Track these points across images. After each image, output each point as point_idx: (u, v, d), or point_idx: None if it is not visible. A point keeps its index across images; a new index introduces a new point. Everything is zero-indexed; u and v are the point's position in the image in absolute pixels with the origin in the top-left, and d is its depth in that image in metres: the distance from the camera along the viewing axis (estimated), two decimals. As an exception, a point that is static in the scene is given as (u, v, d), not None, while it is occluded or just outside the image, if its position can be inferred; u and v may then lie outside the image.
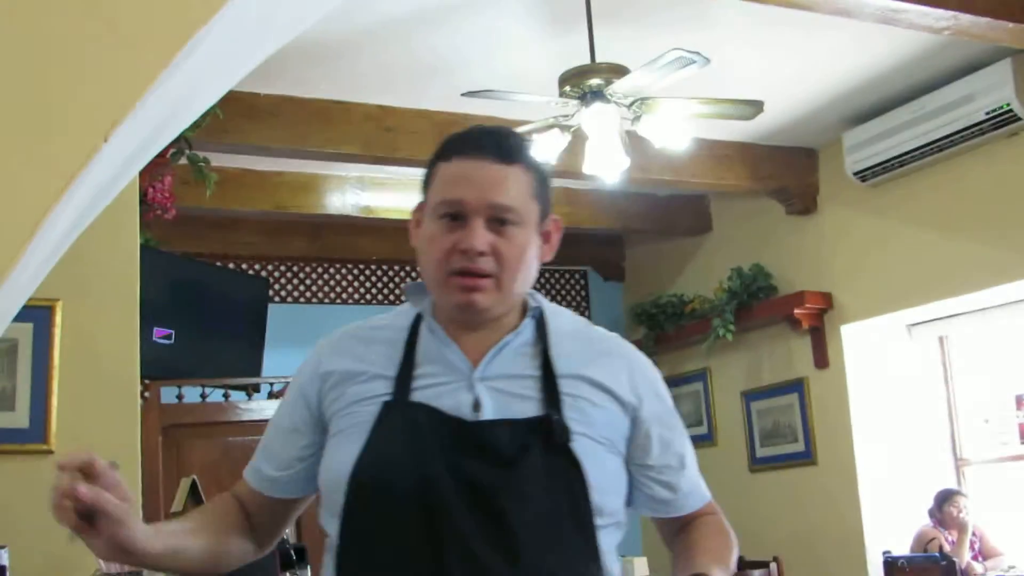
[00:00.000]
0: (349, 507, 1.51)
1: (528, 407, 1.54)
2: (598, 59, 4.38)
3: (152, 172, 3.87)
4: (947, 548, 5.37)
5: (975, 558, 5.52)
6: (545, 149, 4.59)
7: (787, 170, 6.39)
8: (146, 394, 4.22)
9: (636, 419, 1.61)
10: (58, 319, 3.18)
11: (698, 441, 6.01)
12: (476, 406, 1.53)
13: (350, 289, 7.62)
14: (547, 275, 8.09)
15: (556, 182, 6.61)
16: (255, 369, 4.99)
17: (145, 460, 3.43)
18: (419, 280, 1.69)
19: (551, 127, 4.54)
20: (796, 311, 6.36)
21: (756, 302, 6.64)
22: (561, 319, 1.67)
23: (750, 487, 6.80)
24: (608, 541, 1.56)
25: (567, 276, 8.23)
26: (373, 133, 5.44)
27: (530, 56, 4.86)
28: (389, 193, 6.56)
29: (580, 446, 1.53)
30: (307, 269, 7.47)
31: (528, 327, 1.63)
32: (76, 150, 1.29)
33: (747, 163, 6.23)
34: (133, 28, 1.37)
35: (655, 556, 5.09)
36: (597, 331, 1.71)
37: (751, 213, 6.96)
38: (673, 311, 7.23)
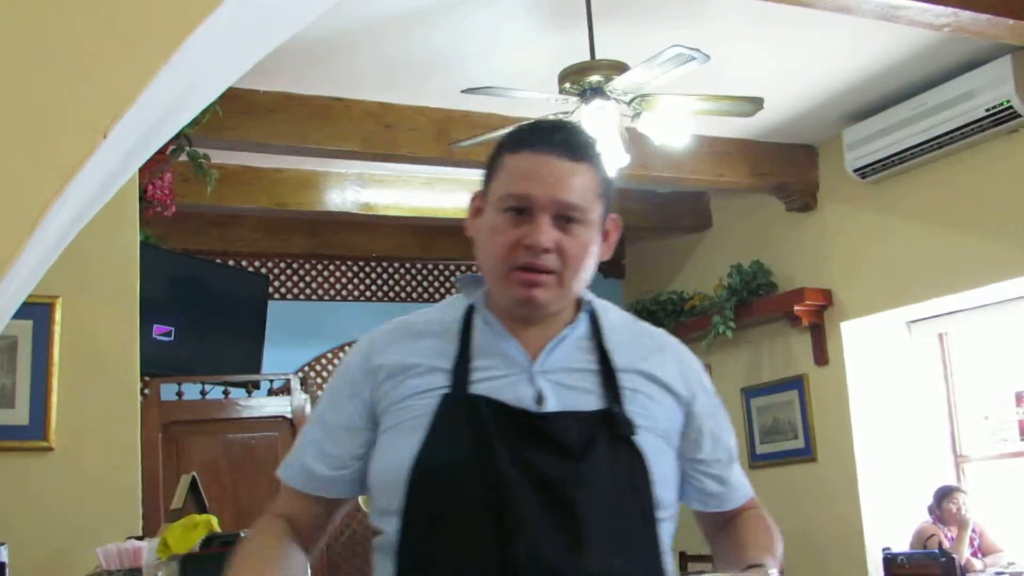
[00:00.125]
0: (411, 503, 1.49)
1: (589, 400, 1.55)
2: (598, 56, 4.38)
3: (152, 169, 3.88)
4: (946, 545, 5.37)
5: (974, 554, 5.52)
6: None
7: (787, 167, 6.39)
8: (146, 391, 4.23)
9: (689, 413, 1.63)
10: (58, 316, 3.19)
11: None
12: (539, 399, 1.53)
13: (349, 286, 7.62)
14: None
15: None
16: (255, 366, 5.00)
17: (145, 457, 3.44)
18: (472, 272, 1.68)
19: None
20: (796, 308, 6.36)
21: (756, 299, 6.64)
22: (611, 314, 1.68)
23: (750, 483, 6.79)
24: (666, 534, 1.57)
25: (567, 273, 8.22)
26: (373, 130, 5.44)
27: (530, 53, 4.85)
28: (389, 190, 6.56)
29: (642, 440, 1.54)
30: (307, 266, 7.47)
31: (583, 321, 1.64)
32: (75, 146, 1.29)
33: (747, 160, 6.23)
34: (132, 25, 1.37)
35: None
36: (645, 326, 1.72)
37: (751, 210, 6.96)
38: (673, 308, 7.23)
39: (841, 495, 6.18)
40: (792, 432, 6.60)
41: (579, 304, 1.65)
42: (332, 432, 1.61)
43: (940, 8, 4.22)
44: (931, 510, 5.68)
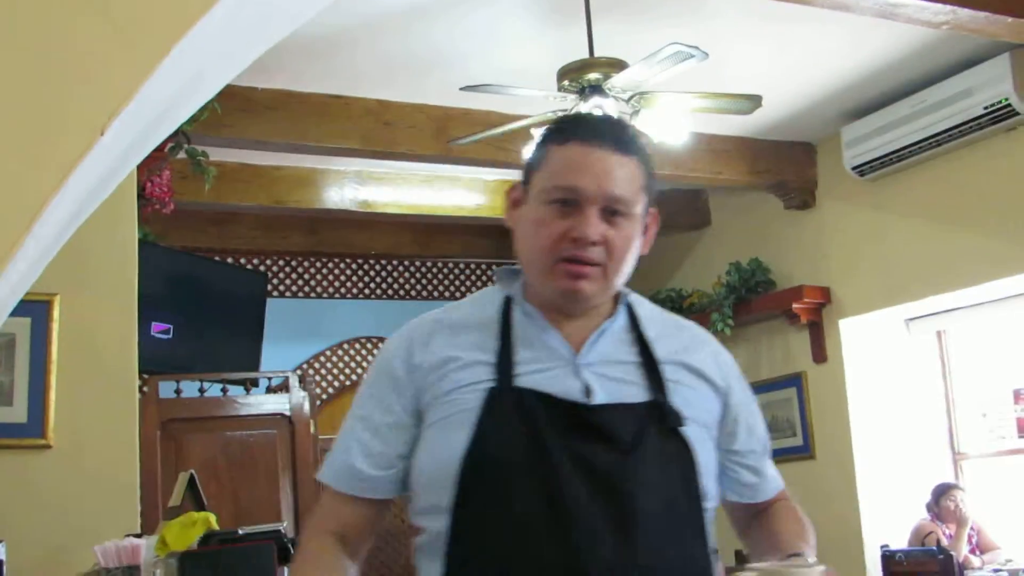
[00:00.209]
0: (461, 498, 1.47)
1: (634, 392, 1.55)
2: (596, 53, 4.38)
3: (150, 166, 3.87)
4: (944, 542, 5.37)
5: (972, 552, 5.53)
6: (543, 143, 4.58)
7: (785, 164, 6.39)
8: (144, 389, 4.23)
9: (726, 404, 1.64)
10: (56, 313, 3.18)
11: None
12: (587, 391, 1.52)
13: (348, 284, 7.62)
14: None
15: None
16: (253, 364, 4.99)
17: (143, 455, 3.44)
18: (511, 266, 1.68)
19: (549, 121, 4.53)
20: (794, 305, 6.36)
21: (754, 296, 6.64)
22: (645, 306, 1.69)
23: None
24: (710, 525, 1.58)
25: (565, 271, 8.22)
26: (372, 127, 5.43)
27: (529, 50, 4.85)
28: (387, 187, 6.56)
29: (688, 431, 1.55)
30: (305, 264, 7.47)
31: (622, 313, 1.64)
32: (73, 144, 1.29)
33: (745, 157, 6.23)
34: (130, 21, 1.37)
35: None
36: (678, 318, 1.73)
37: (749, 207, 6.96)
38: (671, 305, 7.23)
39: (839, 492, 6.18)
40: (790, 430, 6.60)
41: (616, 296, 1.65)
42: (377, 431, 1.57)
43: (938, 6, 4.22)
44: (929, 507, 5.68)
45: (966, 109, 5.26)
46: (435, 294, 7.88)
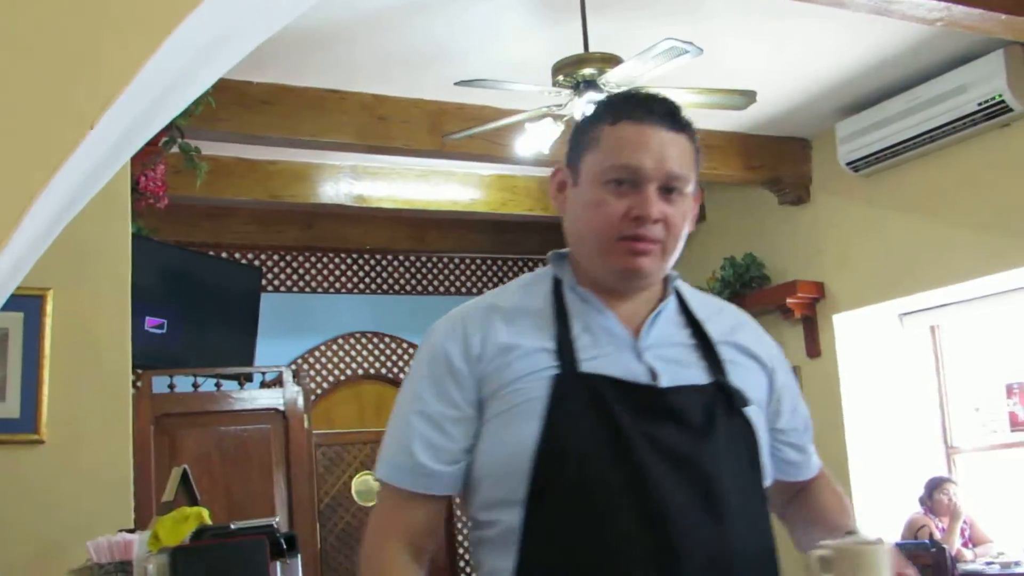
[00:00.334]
0: (537, 490, 1.43)
1: (695, 374, 1.54)
2: (592, 49, 4.38)
3: (144, 160, 3.87)
4: (937, 535, 5.39)
5: (965, 545, 5.55)
6: (538, 138, 4.59)
7: (780, 160, 6.39)
8: (138, 383, 4.22)
9: (772, 383, 1.65)
10: (49, 308, 3.18)
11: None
12: (653, 375, 1.51)
13: (343, 278, 7.62)
14: (540, 264, 8.07)
15: (548, 171, 6.60)
16: (248, 358, 4.99)
17: (137, 450, 3.43)
18: (559, 250, 1.66)
19: (544, 116, 4.54)
20: (788, 300, 6.37)
21: (749, 291, 6.65)
22: (686, 288, 1.69)
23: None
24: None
25: (560, 266, 8.22)
26: (367, 122, 5.43)
27: (524, 45, 4.85)
28: (383, 182, 6.56)
29: (750, 411, 1.55)
30: (300, 258, 7.46)
31: (673, 295, 1.64)
32: (62, 138, 1.28)
33: (740, 153, 6.23)
34: (121, 13, 1.37)
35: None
36: (717, 299, 1.74)
37: (744, 203, 6.96)
38: (666, 301, 7.24)
39: (833, 487, 6.18)
40: (785, 425, 6.61)
41: (664, 278, 1.64)
42: (440, 425, 1.52)
43: (933, 2, 4.22)
44: (922, 501, 5.70)
45: (960, 105, 5.27)
46: (429, 289, 7.88)
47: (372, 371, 7.63)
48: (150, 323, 4.46)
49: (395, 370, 7.68)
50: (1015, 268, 5.38)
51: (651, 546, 1.40)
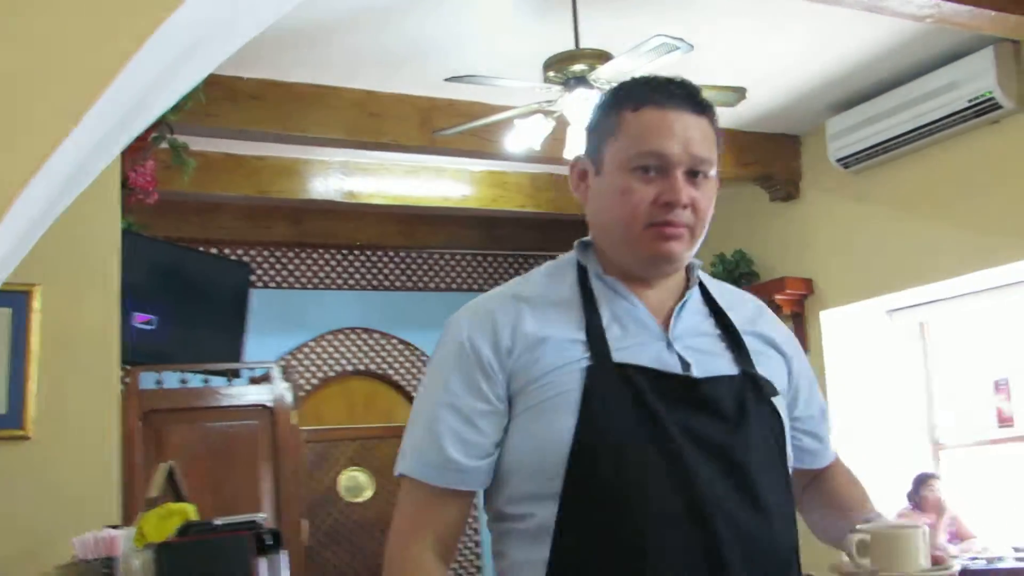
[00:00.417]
0: (575, 483, 1.41)
1: (724, 364, 1.54)
2: (583, 44, 4.37)
3: (134, 156, 3.85)
4: (925, 532, 5.39)
5: (950, 540, 5.56)
6: (528, 135, 4.59)
7: (771, 156, 6.40)
8: (126, 380, 4.21)
9: (790, 372, 1.64)
10: (36, 304, 3.17)
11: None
12: (685, 364, 1.50)
13: (333, 275, 7.61)
14: (530, 260, 8.09)
15: (540, 167, 6.62)
16: (237, 355, 4.98)
17: (124, 446, 3.43)
18: (583, 239, 1.64)
19: (535, 112, 4.54)
20: (777, 297, 6.37)
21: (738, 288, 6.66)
22: (706, 276, 1.68)
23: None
24: None
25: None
26: (357, 118, 5.42)
27: (515, 41, 4.84)
28: (373, 178, 6.55)
29: (777, 400, 1.56)
30: (289, 254, 7.46)
31: (697, 284, 1.62)
32: (46, 133, 1.28)
33: (731, 149, 6.23)
34: (106, 7, 1.36)
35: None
36: (733, 287, 1.72)
37: (734, 199, 6.96)
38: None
39: (822, 484, 6.20)
40: (774, 421, 6.62)
41: (687, 267, 1.63)
42: (470, 419, 1.48)
43: (923, 0, 4.23)
44: (910, 497, 5.71)
45: (950, 102, 5.28)
46: (420, 285, 7.88)
47: (361, 367, 7.63)
48: (139, 319, 4.44)
49: (384, 366, 7.68)
50: (1004, 265, 5.40)
51: (695, 536, 1.40)
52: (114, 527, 2.50)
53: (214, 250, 6.91)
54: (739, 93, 4.41)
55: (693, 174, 1.52)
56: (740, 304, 1.66)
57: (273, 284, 7.34)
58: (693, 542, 1.39)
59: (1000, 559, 5.05)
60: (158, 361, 4.46)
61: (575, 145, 4.48)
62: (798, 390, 1.66)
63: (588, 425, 1.42)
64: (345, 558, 7.39)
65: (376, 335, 7.68)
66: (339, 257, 7.65)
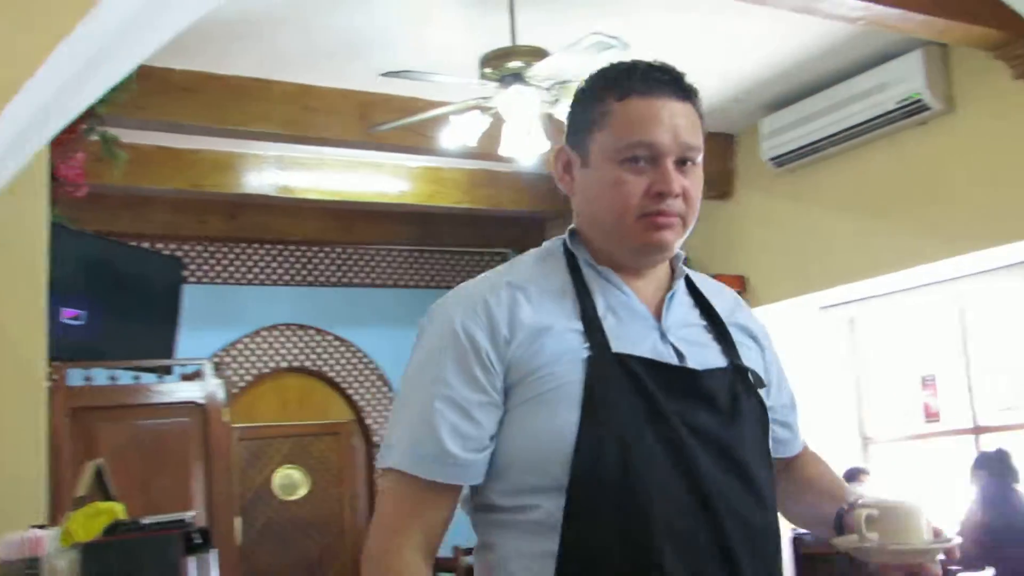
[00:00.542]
0: (581, 476, 1.38)
1: (713, 355, 1.53)
2: (520, 41, 4.38)
3: (63, 148, 3.79)
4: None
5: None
6: (464, 131, 4.58)
7: (705, 155, 6.41)
8: (54, 376, 4.14)
9: (764, 361, 1.64)
10: (-40, 299, 3.10)
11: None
12: (680, 356, 1.49)
13: (267, 270, 7.55)
14: (467, 256, 8.09)
15: (476, 164, 6.62)
16: (168, 351, 4.91)
17: (52, 444, 3.37)
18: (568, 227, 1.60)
19: (471, 108, 4.53)
20: (711, 294, 6.43)
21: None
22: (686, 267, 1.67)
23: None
24: None
25: (488, 258, 8.23)
26: (293, 112, 5.38)
27: (452, 37, 4.83)
28: (309, 173, 6.51)
29: (762, 392, 1.56)
30: (224, 249, 7.38)
31: (683, 275, 1.61)
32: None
33: (666, 148, 6.28)
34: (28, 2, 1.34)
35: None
36: (708, 277, 1.71)
37: (669, 197, 7.03)
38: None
39: (754, 478, 6.27)
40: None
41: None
42: (467, 411, 1.43)
43: (855, 2, 4.29)
44: (840, 492, 5.81)
45: (880, 103, 5.37)
46: (356, 281, 7.84)
47: (296, 364, 7.58)
48: (67, 314, 4.36)
49: (319, 363, 7.64)
50: (930, 263, 5.51)
51: (703, 525, 1.40)
52: (40, 527, 2.45)
53: (146, 244, 6.81)
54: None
55: (682, 162, 1.51)
56: (719, 294, 1.66)
57: (207, 279, 7.26)
58: (701, 530, 1.40)
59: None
60: (87, 357, 4.38)
61: (509, 142, 4.49)
62: (770, 379, 1.66)
63: (592, 416, 1.40)
64: (279, 556, 7.34)
65: (311, 331, 7.63)
66: (274, 252, 7.58)
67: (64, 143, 3.73)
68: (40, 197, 3.41)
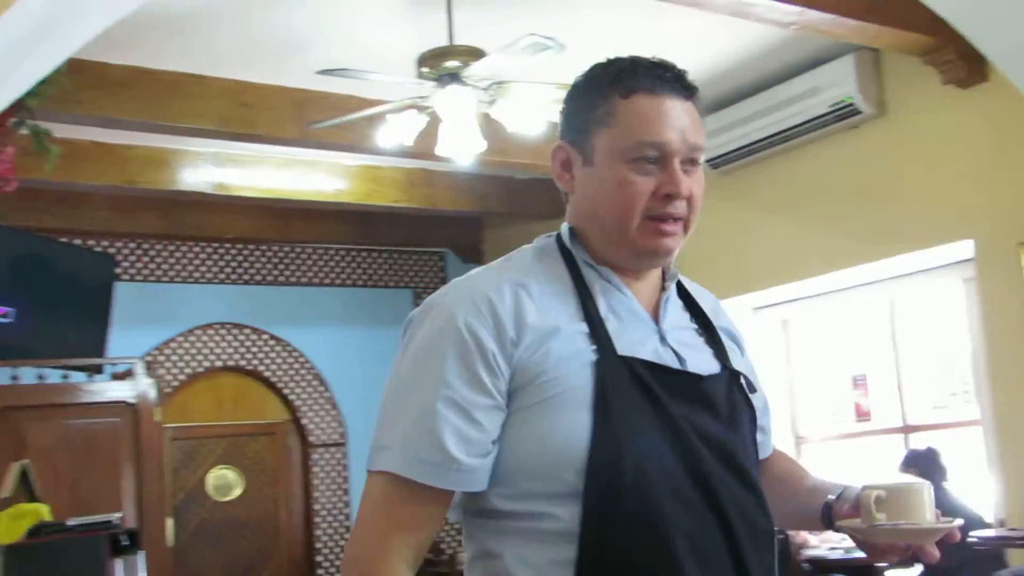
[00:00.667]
0: (597, 480, 1.34)
1: (708, 359, 1.51)
2: (458, 41, 4.38)
3: (-10, 142, 3.72)
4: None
5: (810, 532, 5.74)
6: (400, 130, 4.58)
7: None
8: (-20, 375, 4.07)
9: (745, 365, 1.62)
10: None
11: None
12: (681, 360, 1.47)
13: (202, 268, 7.46)
14: (405, 256, 8.07)
15: (414, 163, 6.61)
16: (99, 349, 4.85)
17: (-23, 444, 3.30)
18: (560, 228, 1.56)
19: (408, 107, 4.52)
20: (647, 294, 6.48)
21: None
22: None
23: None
24: None
25: (425, 257, 8.23)
26: (229, 108, 5.34)
27: (391, 35, 4.82)
28: (245, 170, 6.45)
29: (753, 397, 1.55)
30: (158, 247, 7.28)
31: (675, 277, 1.58)
32: None
33: (603, 148, 6.31)
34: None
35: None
36: (692, 281, 1.68)
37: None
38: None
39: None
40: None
41: None
42: (470, 414, 1.36)
43: (788, 6, 4.35)
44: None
45: (813, 107, 5.45)
46: (292, 279, 7.78)
47: (231, 363, 7.50)
48: (-5, 312, 4.29)
49: (255, 362, 7.57)
50: (860, 265, 5.61)
51: (716, 529, 1.39)
52: (-37, 528, 2.41)
53: (78, 241, 6.70)
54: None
55: (687, 162, 1.48)
56: (702, 296, 1.64)
57: (140, 277, 7.15)
58: (715, 535, 1.39)
59: (856, 549, 5.24)
60: (14, 356, 4.31)
61: (445, 142, 4.49)
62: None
63: (606, 421, 1.36)
64: (212, 558, 7.26)
65: (247, 330, 7.56)
66: (210, 250, 7.50)
67: (-10, 137, 3.67)
68: (-34, 192, 3.34)
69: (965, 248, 5.15)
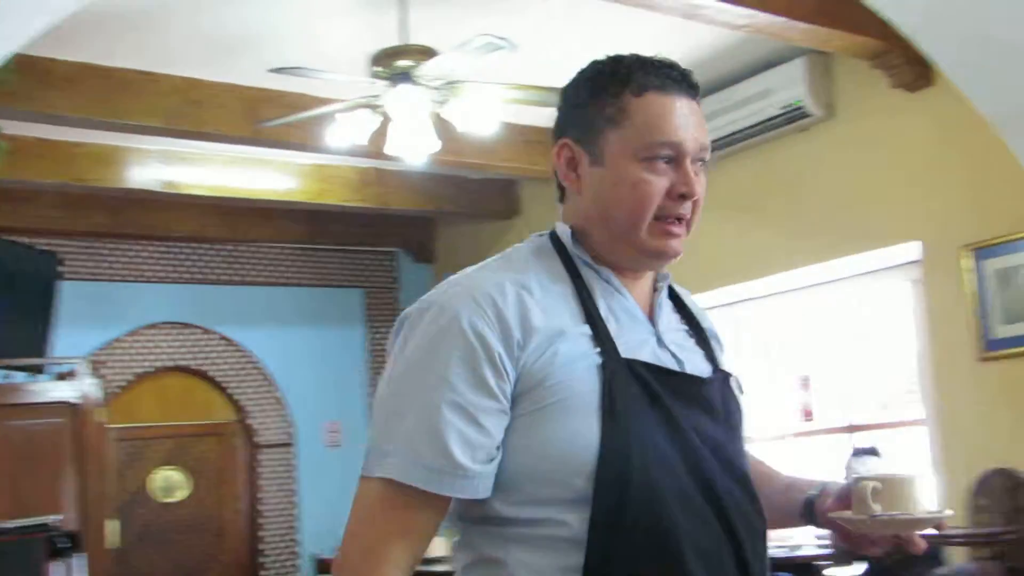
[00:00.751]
0: (607, 485, 1.32)
1: (701, 361, 1.51)
2: (411, 40, 4.37)
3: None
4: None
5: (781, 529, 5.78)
6: (351, 129, 4.55)
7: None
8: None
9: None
10: None
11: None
12: (679, 362, 1.46)
13: (150, 267, 7.37)
14: (356, 255, 8.03)
15: (366, 162, 6.57)
16: (41, 349, 4.77)
17: (-85, 445, 3.24)
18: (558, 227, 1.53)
19: (360, 107, 4.50)
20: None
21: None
22: None
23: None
24: None
25: (377, 257, 8.19)
26: (179, 106, 5.29)
27: (343, 33, 4.80)
28: (194, 168, 6.39)
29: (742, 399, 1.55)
30: (108, 245, 7.19)
31: (668, 278, 1.57)
32: None
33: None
34: None
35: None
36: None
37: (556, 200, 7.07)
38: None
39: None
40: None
41: None
42: (475, 418, 1.32)
43: (739, 9, 4.38)
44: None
45: (763, 109, 5.49)
46: (245, 279, 7.71)
47: (179, 363, 7.42)
48: (-66, 310, 4.21)
49: (203, 362, 7.49)
50: (810, 265, 5.66)
51: (720, 532, 1.38)
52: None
53: (24, 240, 6.59)
54: (557, 94, 4.47)
55: (696, 162, 1.48)
56: (687, 296, 1.64)
57: (87, 276, 7.05)
58: (720, 539, 1.39)
59: (799, 547, 5.27)
60: (-45, 355, 4.24)
61: (396, 141, 4.47)
62: None
63: (614, 425, 1.34)
64: (157, 559, 7.17)
65: (196, 330, 7.47)
66: (159, 249, 7.41)
67: (-67, 133, 3.60)
68: (-94, 188, 3.28)
69: (913, 250, 5.22)
